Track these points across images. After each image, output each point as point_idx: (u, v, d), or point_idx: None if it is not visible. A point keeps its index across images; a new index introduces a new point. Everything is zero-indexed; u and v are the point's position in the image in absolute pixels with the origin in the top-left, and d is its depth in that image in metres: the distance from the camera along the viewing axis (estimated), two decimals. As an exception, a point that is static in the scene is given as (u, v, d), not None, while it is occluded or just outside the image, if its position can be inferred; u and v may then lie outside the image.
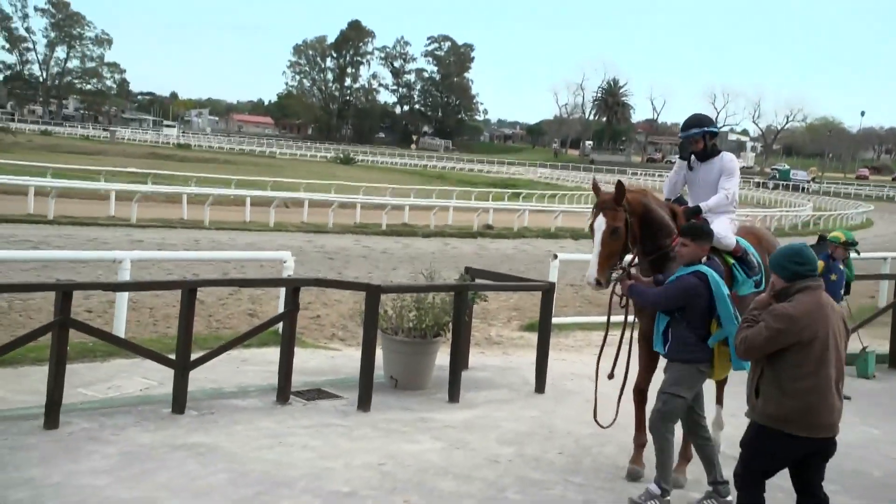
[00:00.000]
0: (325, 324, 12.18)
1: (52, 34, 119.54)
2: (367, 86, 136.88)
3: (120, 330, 8.77)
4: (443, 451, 6.26)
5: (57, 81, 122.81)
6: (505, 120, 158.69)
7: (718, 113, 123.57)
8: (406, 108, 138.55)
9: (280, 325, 8.14)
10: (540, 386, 7.97)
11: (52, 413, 6.17)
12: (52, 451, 5.70)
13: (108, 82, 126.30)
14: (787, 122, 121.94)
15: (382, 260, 20.33)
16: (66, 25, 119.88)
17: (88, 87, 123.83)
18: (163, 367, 7.31)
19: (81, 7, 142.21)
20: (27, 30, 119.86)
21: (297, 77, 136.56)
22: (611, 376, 5.94)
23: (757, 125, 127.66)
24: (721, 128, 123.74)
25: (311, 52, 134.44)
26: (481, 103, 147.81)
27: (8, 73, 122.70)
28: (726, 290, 5.47)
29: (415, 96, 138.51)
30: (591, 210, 5.87)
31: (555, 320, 9.42)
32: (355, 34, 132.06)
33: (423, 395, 8.04)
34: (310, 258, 17.74)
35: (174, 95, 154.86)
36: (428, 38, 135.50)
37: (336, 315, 12.74)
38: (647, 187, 6.46)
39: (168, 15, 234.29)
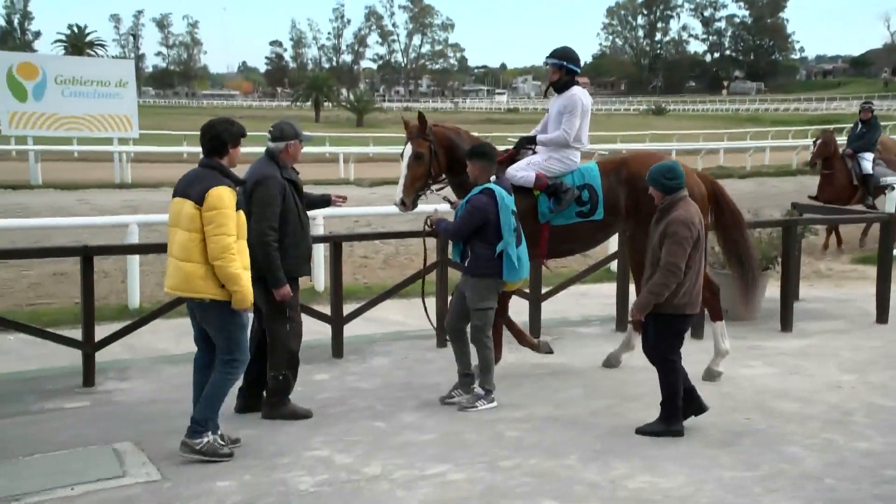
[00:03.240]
0: (651, 261, 12.02)
1: (411, 26, 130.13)
2: (676, 38, 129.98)
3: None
4: (779, 375, 5.94)
5: (413, 65, 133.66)
6: (824, 55, 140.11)
7: None
8: (716, 55, 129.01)
9: (614, 263, 8.21)
10: (882, 316, 7.18)
11: (441, 335, 6.90)
12: (444, 365, 6.30)
13: (451, 61, 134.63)
14: None
15: (700, 201, 19.42)
16: (420, 17, 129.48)
17: (436, 66, 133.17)
18: (517, 300, 7.77)
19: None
20: (393, 25, 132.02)
21: (610, 37, 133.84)
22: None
23: None
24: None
25: (622, 13, 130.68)
26: (797, 41, 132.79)
27: (380, 62, 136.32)
28: (511, 205, 5.33)
29: (725, 42, 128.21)
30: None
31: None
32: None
33: (753, 325, 7.65)
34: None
35: (503, 66, 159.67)
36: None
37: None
38: (458, 127, 6.07)
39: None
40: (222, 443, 4.46)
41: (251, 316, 4.80)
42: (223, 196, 4.25)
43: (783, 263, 7.57)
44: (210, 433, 4.42)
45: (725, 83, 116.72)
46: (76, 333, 6.09)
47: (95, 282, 6.07)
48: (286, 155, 5.03)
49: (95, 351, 5.94)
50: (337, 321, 6.60)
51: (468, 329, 5.42)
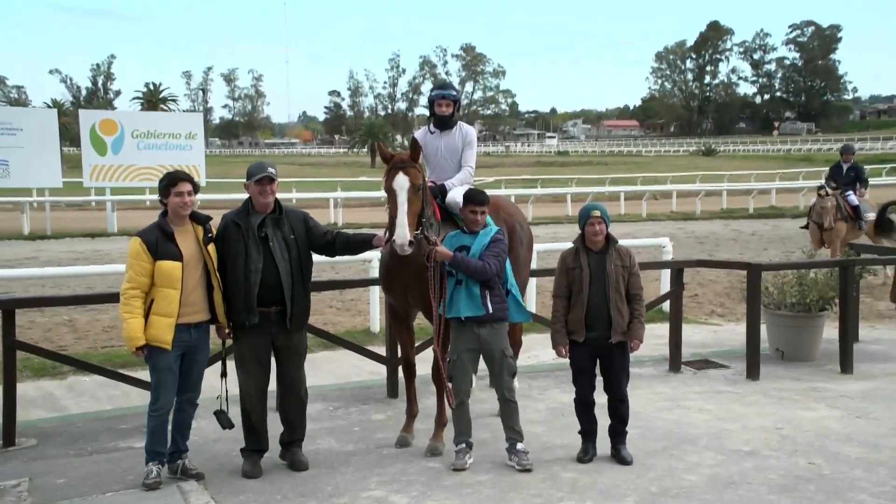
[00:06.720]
0: (703, 301, 11.78)
1: (463, 73, 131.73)
2: (726, 80, 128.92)
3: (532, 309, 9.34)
4: (842, 418, 5.70)
5: (466, 111, 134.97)
6: (878, 95, 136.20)
7: None
8: (766, 96, 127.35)
9: (665, 304, 8.06)
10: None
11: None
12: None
13: (503, 106, 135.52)
14: None
15: (752, 241, 19.02)
16: (473, 65, 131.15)
17: (488, 112, 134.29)
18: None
19: (483, 48, 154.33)
20: (446, 73, 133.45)
21: (659, 81, 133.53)
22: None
23: None
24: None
25: (671, 57, 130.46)
26: (849, 82, 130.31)
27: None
28: None
29: (775, 84, 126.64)
30: (385, 172, 4.90)
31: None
32: (714, 34, 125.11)
33: (811, 367, 7.41)
34: (682, 243, 17.23)
35: (553, 111, 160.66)
36: (789, 27, 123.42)
37: (713, 293, 12.25)
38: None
39: (547, 41, 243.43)
40: (152, 476, 4.63)
41: (174, 361, 4.62)
42: (130, 246, 4.60)
43: (841, 304, 7.33)
44: (150, 464, 4.66)
45: (776, 124, 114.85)
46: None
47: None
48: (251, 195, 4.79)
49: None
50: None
51: (497, 384, 5.00)
